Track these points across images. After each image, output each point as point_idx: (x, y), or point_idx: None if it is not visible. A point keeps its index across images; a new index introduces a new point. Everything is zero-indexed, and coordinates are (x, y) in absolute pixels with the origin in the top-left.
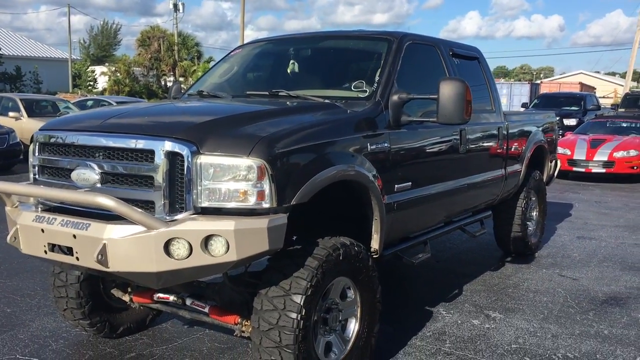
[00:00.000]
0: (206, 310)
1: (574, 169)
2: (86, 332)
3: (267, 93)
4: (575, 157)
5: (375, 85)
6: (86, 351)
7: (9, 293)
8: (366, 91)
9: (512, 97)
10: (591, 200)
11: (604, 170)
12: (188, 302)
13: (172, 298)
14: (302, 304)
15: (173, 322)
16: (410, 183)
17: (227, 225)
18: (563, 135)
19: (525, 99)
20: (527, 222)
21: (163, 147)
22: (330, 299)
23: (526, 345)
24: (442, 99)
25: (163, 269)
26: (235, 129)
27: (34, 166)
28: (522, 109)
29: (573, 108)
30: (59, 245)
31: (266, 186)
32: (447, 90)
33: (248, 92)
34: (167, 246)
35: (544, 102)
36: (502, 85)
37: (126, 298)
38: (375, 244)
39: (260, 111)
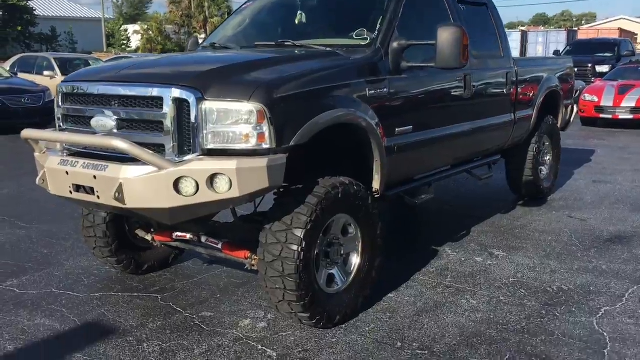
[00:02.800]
0: (219, 246)
1: (601, 115)
2: (115, 269)
3: (273, 43)
4: (602, 104)
5: (376, 32)
6: (114, 285)
7: (46, 237)
8: (367, 39)
9: (549, 45)
10: (614, 147)
11: (631, 117)
12: (203, 239)
13: (189, 236)
14: (302, 237)
15: (194, 261)
16: (411, 127)
17: (229, 164)
18: (593, 82)
19: (562, 47)
20: (540, 167)
21: (171, 94)
22: (331, 234)
23: (524, 279)
24: (439, 44)
25: (174, 205)
26: (237, 76)
27: (58, 117)
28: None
29: (606, 54)
30: (82, 186)
31: (265, 129)
32: (445, 36)
33: (256, 43)
34: (176, 184)
35: (576, 48)
36: (537, 33)
37: (149, 237)
38: (376, 184)
39: (262, 59)
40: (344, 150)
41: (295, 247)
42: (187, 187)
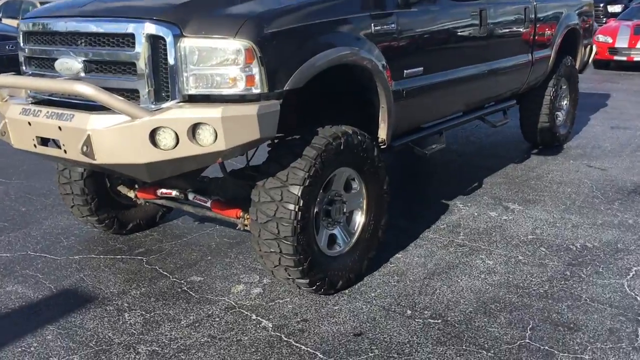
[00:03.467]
0: (208, 204)
1: (615, 57)
2: (97, 229)
3: None
4: (616, 45)
5: None
6: (96, 247)
7: (25, 193)
8: None
9: None
10: (630, 90)
11: None
12: (190, 196)
13: (174, 193)
14: (299, 195)
15: (184, 219)
16: (421, 68)
17: (213, 112)
18: (605, 23)
19: None
20: (556, 112)
21: (143, 30)
22: (332, 191)
23: (543, 236)
24: None
25: (151, 160)
26: (222, 8)
27: (21, 60)
28: None
29: None
30: (47, 139)
31: (255, 70)
32: None
33: None
34: (152, 136)
35: None
36: None
37: (132, 195)
38: (382, 133)
39: None
40: (346, 95)
41: (291, 206)
42: (165, 139)
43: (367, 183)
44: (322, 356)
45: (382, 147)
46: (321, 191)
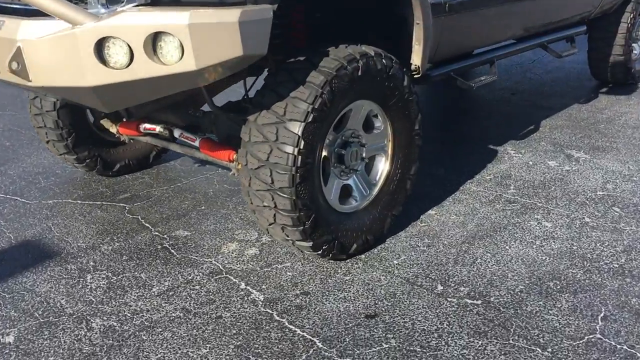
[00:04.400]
0: (196, 143)
1: None
2: (81, 170)
3: None
4: None
5: None
6: (76, 190)
7: (15, 125)
8: None
9: None
10: None
11: None
12: (177, 133)
13: (158, 129)
14: (300, 133)
15: (182, 161)
16: None
17: (178, 18)
18: None
19: None
20: (632, 44)
21: None
22: (347, 130)
23: (617, 192)
24: None
25: (99, 82)
26: None
27: None
28: None
29: None
30: None
31: None
32: None
33: None
34: (99, 50)
35: None
36: None
37: (113, 130)
38: (416, 59)
39: None
40: (371, 12)
41: (289, 149)
42: (116, 54)
43: (394, 121)
44: (320, 345)
45: (415, 76)
46: (331, 130)
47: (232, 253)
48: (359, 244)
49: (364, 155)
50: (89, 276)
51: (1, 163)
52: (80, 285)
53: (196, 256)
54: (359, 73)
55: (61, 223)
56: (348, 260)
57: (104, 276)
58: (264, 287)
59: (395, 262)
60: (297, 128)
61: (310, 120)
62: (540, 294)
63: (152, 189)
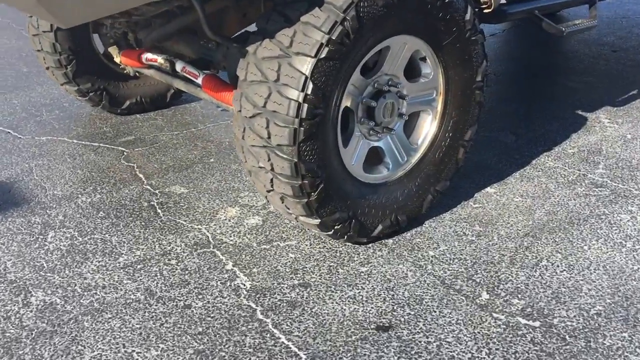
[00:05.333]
0: (199, 80)
1: None
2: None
3: None
4: None
5: None
6: (76, 127)
7: None
8: None
9: None
10: None
11: None
12: (178, 67)
13: (160, 60)
14: (308, 73)
15: (206, 103)
16: None
17: None
18: None
19: None
20: None
21: None
22: (382, 75)
23: None
24: None
25: None
26: None
27: None
28: None
29: None
30: None
31: None
32: None
33: None
34: None
35: None
36: None
37: (118, 59)
38: None
39: None
40: None
41: (292, 93)
42: None
43: (448, 68)
44: None
45: (485, 10)
46: (358, 73)
47: (229, 221)
48: (386, 226)
49: (403, 110)
50: (51, 234)
51: (10, 90)
52: (37, 245)
53: (185, 220)
54: None
55: (45, 165)
56: (370, 245)
57: (68, 236)
58: (254, 270)
59: (431, 253)
60: (305, 65)
61: (324, 56)
62: (626, 322)
63: (162, 132)
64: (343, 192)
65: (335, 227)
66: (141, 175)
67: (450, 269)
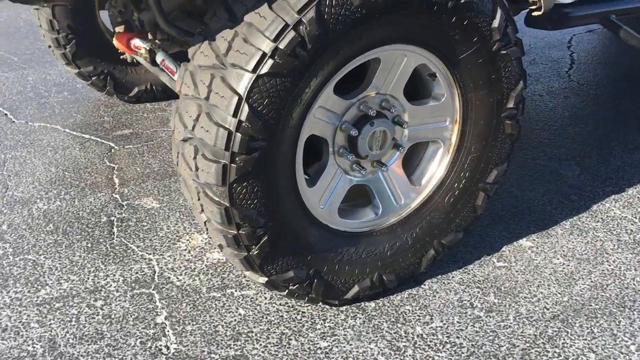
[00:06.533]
0: (175, 77)
1: None
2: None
3: None
4: None
5: None
6: (77, 114)
7: None
8: None
9: None
10: None
11: None
12: (158, 59)
13: (143, 49)
14: (244, 93)
15: None
16: None
17: None
18: None
19: None
20: None
21: None
22: (373, 95)
23: None
24: None
25: None
26: None
27: None
28: None
29: None
30: None
31: None
32: None
33: None
34: None
35: None
36: None
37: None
38: None
39: None
40: None
41: (221, 117)
42: None
43: (467, 89)
44: None
45: (535, 13)
46: (329, 92)
47: (189, 252)
48: (365, 287)
49: (402, 141)
50: None
51: (30, 65)
52: None
53: (138, 246)
54: None
55: (22, 157)
56: (344, 309)
57: (1, 252)
58: (188, 329)
59: (419, 330)
60: (239, 82)
61: (267, 71)
62: None
63: (163, 128)
64: (302, 245)
65: (290, 288)
66: (116, 180)
67: (440, 357)
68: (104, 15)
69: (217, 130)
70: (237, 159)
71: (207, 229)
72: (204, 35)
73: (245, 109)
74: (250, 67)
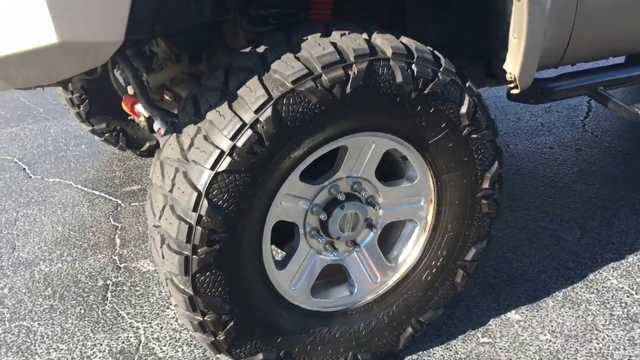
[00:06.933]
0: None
1: None
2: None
3: None
4: None
5: None
6: (91, 169)
7: None
8: None
9: None
10: None
11: None
12: (155, 126)
13: (142, 117)
14: (203, 189)
15: None
16: None
17: None
18: None
19: None
20: None
21: None
22: (344, 179)
23: None
24: None
25: None
26: None
27: None
28: None
29: None
30: None
31: None
32: None
33: None
34: None
35: None
36: None
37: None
38: (511, 62)
39: None
40: None
41: (182, 210)
42: None
43: (440, 170)
44: None
45: (512, 91)
46: (295, 180)
47: (175, 321)
48: None
49: (376, 221)
50: None
51: (54, 116)
52: None
53: (128, 313)
54: (349, 89)
55: (33, 215)
56: None
57: None
58: None
59: None
60: (199, 179)
61: (225, 168)
62: None
63: None
64: (271, 327)
65: None
66: (118, 241)
67: None
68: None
69: (179, 224)
70: (198, 250)
71: (175, 309)
72: (173, 127)
73: (204, 204)
74: (209, 164)
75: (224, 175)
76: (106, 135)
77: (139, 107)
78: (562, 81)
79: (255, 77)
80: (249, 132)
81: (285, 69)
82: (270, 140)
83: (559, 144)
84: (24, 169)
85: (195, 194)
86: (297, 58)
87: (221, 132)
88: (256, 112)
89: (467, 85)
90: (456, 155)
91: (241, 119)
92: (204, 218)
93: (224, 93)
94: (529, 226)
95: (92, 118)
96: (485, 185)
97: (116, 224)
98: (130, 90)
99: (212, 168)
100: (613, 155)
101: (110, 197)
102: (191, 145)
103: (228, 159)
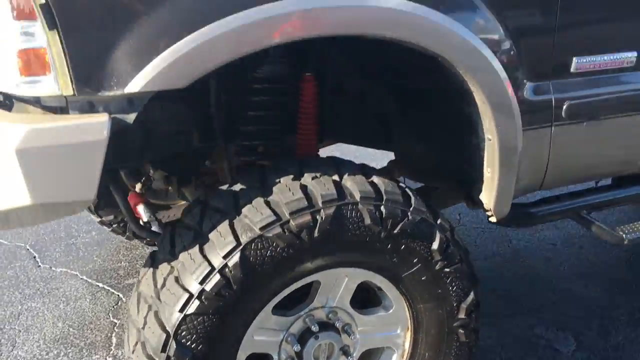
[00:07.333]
0: None
1: None
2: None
3: None
4: None
5: None
6: (97, 259)
7: None
8: None
9: None
10: None
11: None
12: (154, 228)
13: (143, 220)
14: (172, 331)
15: None
16: (611, 58)
17: None
18: None
19: None
20: None
21: None
22: (318, 309)
23: None
24: None
25: None
26: None
27: None
28: None
29: None
30: None
31: (42, 40)
32: None
33: None
34: None
35: None
36: None
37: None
38: (486, 193)
39: None
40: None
41: (153, 351)
42: None
43: (415, 300)
44: None
45: (491, 219)
46: (267, 315)
47: None
48: None
49: (352, 349)
50: None
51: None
52: None
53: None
54: (316, 234)
55: (36, 309)
56: None
57: None
58: None
59: None
60: (168, 320)
61: (194, 311)
62: None
63: None
64: None
65: None
66: (114, 340)
67: None
68: None
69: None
70: None
71: None
72: (152, 261)
73: (172, 345)
74: (178, 307)
75: (192, 317)
76: (114, 226)
77: (140, 209)
78: (543, 206)
79: (227, 222)
80: (217, 277)
81: (254, 214)
82: (238, 284)
83: (562, 240)
84: (35, 257)
85: (164, 336)
86: (267, 203)
87: (191, 276)
88: (225, 257)
89: (438, 222)
90: (430, 288)
91: (210, 264)
92: (172, 358)
93: (197, 234)
94: (525, 334)
95: (100, 210)
96: (462, 315)
97: (115, 320)
98: (137, 187)
99: (181, 310)
100: (617, 256)
101: (113, 290)
102: (164, 285)
103: (197, 302)
